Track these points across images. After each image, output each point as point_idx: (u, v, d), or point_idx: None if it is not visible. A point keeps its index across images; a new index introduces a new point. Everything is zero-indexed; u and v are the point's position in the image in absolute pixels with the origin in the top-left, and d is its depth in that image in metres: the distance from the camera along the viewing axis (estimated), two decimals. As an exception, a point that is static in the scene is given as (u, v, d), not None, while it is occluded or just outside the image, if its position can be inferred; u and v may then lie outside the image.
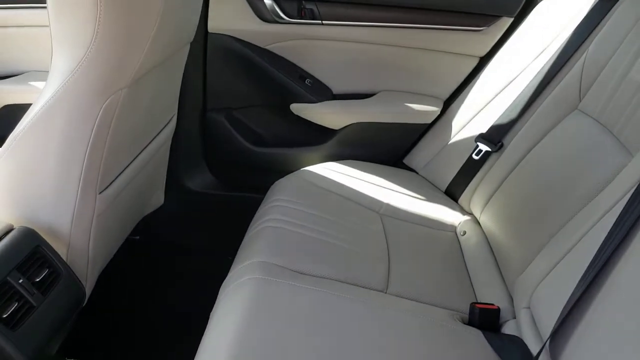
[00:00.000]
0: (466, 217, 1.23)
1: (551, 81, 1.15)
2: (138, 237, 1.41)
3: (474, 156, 1.27)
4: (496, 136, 1.24)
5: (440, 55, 1.43)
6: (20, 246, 0.82)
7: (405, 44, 1.42)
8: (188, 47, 1.20)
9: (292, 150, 1.48)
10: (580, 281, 0.69)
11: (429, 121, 1.45)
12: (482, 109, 1.35)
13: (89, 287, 0.98)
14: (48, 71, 0.83)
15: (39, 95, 0.84)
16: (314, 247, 1.00)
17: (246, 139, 1.49)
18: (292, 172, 1.32)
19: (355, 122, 1.45)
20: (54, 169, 0.86)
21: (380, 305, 0.89)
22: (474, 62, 1.43)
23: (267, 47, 1.43)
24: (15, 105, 1.42)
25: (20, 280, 0.79)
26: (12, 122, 0.87)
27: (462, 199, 1.28)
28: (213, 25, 1.39)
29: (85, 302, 0.98)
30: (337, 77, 1.47)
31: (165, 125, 1.23)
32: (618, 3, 1.07)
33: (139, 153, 1.09)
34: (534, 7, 1.35)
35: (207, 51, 1.41)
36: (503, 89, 1.31)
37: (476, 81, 1.40)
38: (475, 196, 1.23)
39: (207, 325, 0.82)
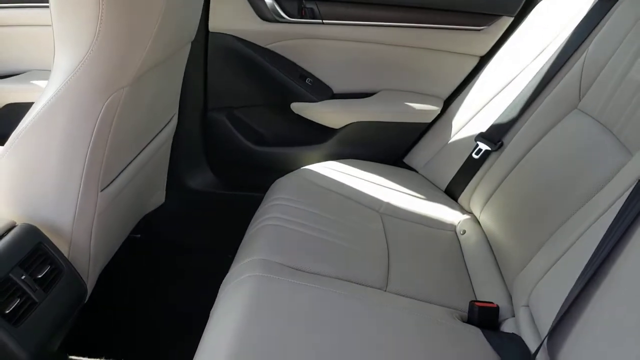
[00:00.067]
0: (466, 216, 1.24)
1: (551, 80, 1.16)
2: (139, 236, 1.42)
3: (473, 155, 1.27)
4: (496, 135, 1.24)
5: (440, 55, 1.44)
6: (23, 243, 0.83)
7: (405, 43, 1.43)
8: (189, 46, 1.21)
9: (293, 149, 1.49)
10: (578, 278, 0.69)
11: (429, 120, 1.46)
12: (482, 108, 1.35)
13: (90, 284, 0.99)
14: (50, 70, 0.84)
15: (41, 93, 0.85)
16: (314, 245, 1.00)
17: (247, 138, 1.49)
18: (293, 171, 1.32)
19: (355, 121, 1.45)
20: (56, 166, 0.86)
21: (380, 302, 0.89)
22: (474, 62, 1.44)
23: (268, 47, 1.43)
24: (17, 104, 1.43)
25: (23, 277, 0.80)
26: (15, 120, 0.88)
27: (462, 198, 1.29)
28: (214, 25, 1.39)
29: (87, 299, 0.98)
30: (338, 76, 1.47)
31: (166, 124, 1.23)
32: (618, 3, 1.08)
33: (141, 151, 1.09)
34: (534, 6, 1.36)
35: (208, 50, 1.42)
36: (503, 88, 1.32)
37: (476, 80, 1.41)
38: (475, 195, 1.24)
39: (207, 322, 0.83)
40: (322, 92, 1.47)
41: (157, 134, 1.18)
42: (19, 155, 0.87)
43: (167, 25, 0.89)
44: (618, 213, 0.68)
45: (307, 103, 1.45)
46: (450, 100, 1.46)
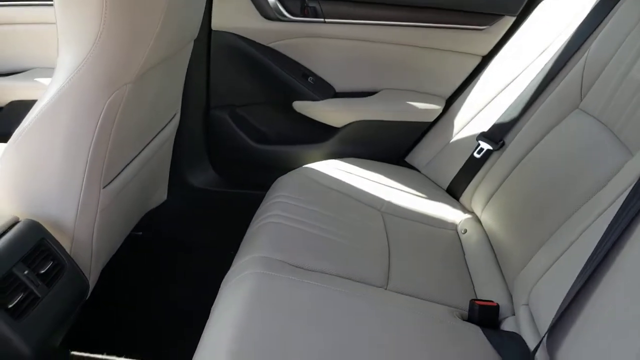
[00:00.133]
0: (467, 216, 1.24)
1: (553, 80, 1.16)
2: (141, 233, 1.42)
3: (475, 154, 1.27)
4: (498, 135, 1.24)
5: (442, 54, 1.44)
6: (26, 239, 0.83)
7: (407, 42, 1.43)
8: (192, 44, 1.21)
9: (295, 147, 1.49)
10: (579, 276, 0.69)
11: (431, 119, 1.46)
12: (484, 108, 1.35)
13: (92, 280, 0.99)
14: (53, 68, 0.84)
15: (45, 90, 0.85)
16: (315, 243, 1.01)
17: (249, 136, 1.49)
18: (295, 169, 1.33)
19: (357, 120, 1.45)
20: (59, 163, 0.87)
21: (380, 300, 0.89)
22: (476, 61, 1.44)
23: (270, 45, 1.43)
24: (21, 102, 1.43)
25: (26, 272, 0.80)
26: (18, 118, 0.88)
27: (464, 198, 1.29)
28: (217, 23, 1.40)
29: (89, 295, 0.99)
30: (340, 75, 1.48)
31: (169, 122, 1.24)
32: (620, 2, 1.07)
33: (143, 148, 1.10)
34: (537, 5, 1.36)
35: (211, 49, 1.42)
36: (505, 87, 1.32)
37: (478, 80, 1.41)
38: (477, 194, 1.24)
39: (208, 319, 0.83)
40: (324, 90, 1.47)
41: (160, 132, 1.18)
42: (22, 152, 0.87)
43: (170, 24, 0.89)
44: (618, 211, 0.68)
45: (309, 102, 1.45)
46: (452, 100, 1.46)
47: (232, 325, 0.76)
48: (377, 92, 1.48)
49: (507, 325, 0.89)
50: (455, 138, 1.39)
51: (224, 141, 1.50)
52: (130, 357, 1.25)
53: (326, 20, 1.41)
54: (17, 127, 0.87)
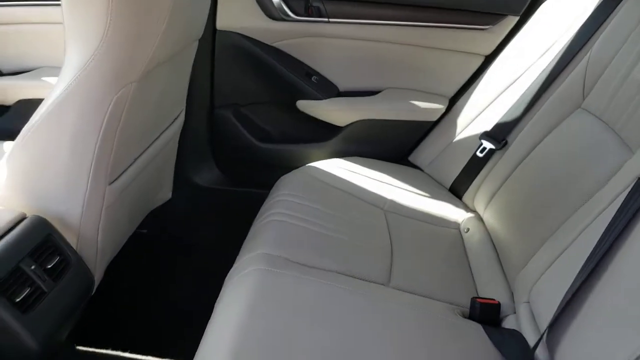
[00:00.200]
0: (470, 215, 1.24)
1: (555, 80, 1.16)
2: (146, 231, 1.43)
3: (478, 154, 1.27)
4: (500, 134, 1.24)
5: (446, 54, 1.44)
6: (33, 234, 0.85)
7: (411, 42, 1.44)
8: (197, 43, 1.22)
9: (299, 146, 1.50)
10: (579, 273, 0.70)
11: (434, 119, 1.46)
12: (486, 107, 1.36)
13: (97, 276, 1.00)
14: (60, 67, 0.85)
15: (52, 89, 0.86)
16: (317, 240, 1.01)
17: (253, 135, 1.50)
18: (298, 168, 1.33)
19: (361, 119, 1.46)
20: (66, 160, 0.88)
21: (382, 298, 0.90)
22: (479, 61, 1.44)
23: (275, 45, 1.44)
24: (29, 101, 1.45)
25: (33, 267, 0.81)
26: (26, 116, 0.89)
27: (466, 197, 1.29)
28: (221, 23, 1.41)
29: (94, 291, 1.00)
30: (343, 74, 1.48)
31: (173, 120, 1.25)
32: (623, 2, 1.08)
33: (148, 147, 1.11)
34: (539, 6, 1.36)
35: (216, 48, 1.43)
36: (508, 87, 1.32)
37: (481, 79, 1.41)
38: (479, 193, 1.24)
39: (212, 315, 0.84)
40: (327, 90, 1.48)
41: (165, 130, 1.19)
42: (30, 149, 0.88)
43: (175, 22, 0.90)
44: (618, 209, 0.69)
45: (313, 101, 1.46)
46: (456, 99, 1.46)
47: (235, 321, 0.77)
48: (381, 91, 1.49)
49: (508, 323, 0.89)
50: (458, 137, 1.40)
51: (228, 140, 1.51)
52: (134, 353, 1.26)
53: (330, 20, 1.42)
54: (24, 125, 0.88)
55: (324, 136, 1.49)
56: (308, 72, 1.47)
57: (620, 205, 0.69)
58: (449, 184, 1.36)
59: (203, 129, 1.50)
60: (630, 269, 0.63)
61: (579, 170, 0.94)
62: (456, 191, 1.33)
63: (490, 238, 1.14)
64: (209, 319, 0.84)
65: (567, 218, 0.88)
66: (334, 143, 1.48)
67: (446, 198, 1.30)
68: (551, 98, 1.15)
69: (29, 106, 1.22)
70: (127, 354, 1.24)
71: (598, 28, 1.11)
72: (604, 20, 1.10)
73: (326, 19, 1.42)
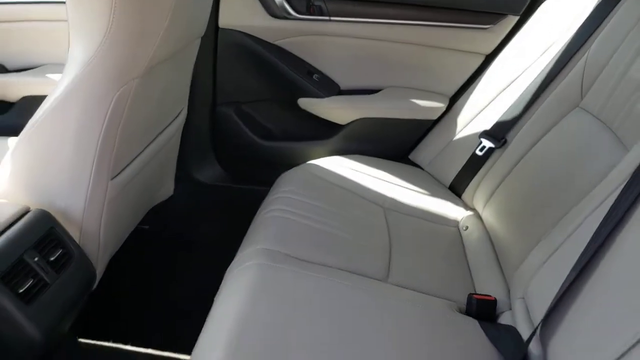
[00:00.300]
0: (469, 213, 1.25)
1: (554, 79, 1.17)
2: (147, 227, 1.45)
3: (477, 152, 1.28)
4: (500, 133, 1.25)
5: (446, 53, 1.45)
6: (36, 227, 0.86)
7: (412, 41, 1.44)
8: (199, 41, 1.23)
9: (300, 144, 1.51)
10: (571, 270, 0.70)
11: (435, 117, 1.47)
12: (486, 106, 1.36)
13: (99, 270, 1.01)
14: (64, 64, 0.87)
15: (56, 85, 0.88)
16: (317, 237, 1.02)
17: (255, 132, 1.51)
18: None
19: (361, 117, 1.47)
20: (69, 155, 0.89)
21: (381, 293, 0.91)
22: (479, 60, 1.45)
23: (276, 43, 1.45)
24: (33, 97, 1.46)
25: (36, 259, 0.83)
26: (30, 112, 0.91)
27: (466, 195, 1.30)
28: (223, 21, 1.42)
29: (96, 285, 1.01)
30: (345, 72, 1.49)
31: (175, 117, 1.26)
32: (621, 2, 1.08)
33: (150, 143, 1.12)
34: (539, 5, 1.36)
35: (218, 46, 1.44)
36: (507, 86, 1.33)
37: (481, 78, 1.42)
38: (478, 192, 1.25)
39: (212, 308, 0.85)
40: (329, 88, 1.49)
41: (167, 127, 1.20)
42: (34, 144, 0.90)
43: (178, 20, 0.91)
44: (611, 207, 0.70)
45: (314, 99, 1.47)
46: (456, 98, 1.47)
47: (235, 314, 0.78)
48: (382, 89, 1.50)
49: (504, 319, 0.90)
50: (458, 136, 1.41)
51: (229, 137, 1.52)
52: (134, 346, 1.27)
53: (331, 18, 1.43)
54: (29, 121, 0.90)
55: (325, 134, 1.50)
56: (309, 70, 1.48)
57: (613, 203, 0.70)
58: (448, 182, 1.36)
59: (205, 126, 1.51)
60: (620, 266, 0.64)
61: (577, 168, 0.95)
62: (456, 189, 1.34)
63: (488, 236, 1.14)
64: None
65: (563, 216, 0.89)
66: (335, 141, 1.49)
67: (446, 196, 1.31)
68: (550, 97, 1.16)
69: (33, 103, 1.23)
70: (128, 347, 1.26)
71: (596, 28, 1.11)
72: (602, 21, 1.11)
73: (328, 18, 1.43)
